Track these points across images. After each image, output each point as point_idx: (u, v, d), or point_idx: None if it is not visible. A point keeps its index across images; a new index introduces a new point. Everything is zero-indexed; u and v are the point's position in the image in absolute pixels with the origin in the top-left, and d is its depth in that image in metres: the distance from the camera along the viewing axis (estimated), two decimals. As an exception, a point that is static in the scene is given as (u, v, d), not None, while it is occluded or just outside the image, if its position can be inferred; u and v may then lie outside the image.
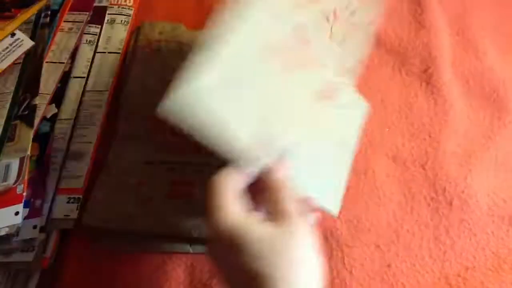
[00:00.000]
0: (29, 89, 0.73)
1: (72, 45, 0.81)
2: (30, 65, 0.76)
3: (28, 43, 0.77)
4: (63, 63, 0.79)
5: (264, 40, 0.53)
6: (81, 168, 0.72)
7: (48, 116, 0.74)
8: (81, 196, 0.69)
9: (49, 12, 0.83)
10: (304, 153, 0.56)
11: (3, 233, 0.62)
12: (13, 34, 0.77)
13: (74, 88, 0.78)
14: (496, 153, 0.74)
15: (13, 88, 0.73)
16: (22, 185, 0.65)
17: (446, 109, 0.77)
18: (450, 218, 0.69)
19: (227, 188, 0.48)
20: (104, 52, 0.83)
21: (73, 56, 0.80)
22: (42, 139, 0.71)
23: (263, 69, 0.52)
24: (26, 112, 0.71)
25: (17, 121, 0.70)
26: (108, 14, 0.88)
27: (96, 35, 0.85)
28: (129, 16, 0.88)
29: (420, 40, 0.84)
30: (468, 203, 0.69)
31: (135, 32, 0.87)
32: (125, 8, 0.89)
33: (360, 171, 0.73)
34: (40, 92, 0.74)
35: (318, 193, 0.57)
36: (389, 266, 0.66)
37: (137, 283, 0.66)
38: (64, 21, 0.85)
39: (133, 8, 0.89)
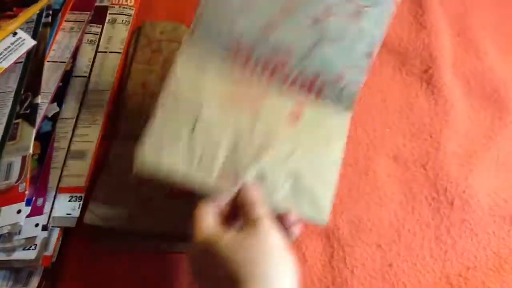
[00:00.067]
0: (30, 88, 0.73)
1: (73, 44, 0.81)
2: (32, 64, 0.76)
3: (30, 42, 0.76)
4: (65, 62, 0.79)
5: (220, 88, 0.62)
6: (82, 167, 0.72)
7: (50, 115, 0.74)
8: (82, 195, 0.69)
9: (50, 12, 0.82)
10: (284, 169, 0.59)
11: (5, 231, 0.61)
12: (14, 33, 0.77)
13: (75, 87, 0.78)
14: (497, 153, 0.74)
15: (15, 87, 0.73)
16: (24, 184, 0.64)
17: (447, 109, 0.77)
18: (451, 218, 0.69)
19: (203, 215, 0.53)
20: (105, 52, 0.83)
21: (74, 55, 0.80)
22: (44, 138, 0.71)
23: (223, 111, 0.60)
24: (28, 111, 0.71)
25: (19, 120, 0.70)
26: (109, 13, 0.88)
27: (97, 34, 0.85)
28: (130, 16, 0.88)
29: (421, 40, 0.84)
30: (469, 203, 0.70)
31: (136, 32, 0.87)
32: (126, 8, 0.89)
33: (361, 171, 0.73)
34: (41, 91, 0.74)
35: (304, 206, 0.58)
36: (390, 265, 0.66)
37: (137, 282, 0.66)
38: (66, 21, 0.85)
39: (134, 8, 0.89)
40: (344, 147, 0.63)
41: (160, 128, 0.58)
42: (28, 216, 0.64)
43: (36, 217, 0.65)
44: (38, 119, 0.71)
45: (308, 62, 0.63)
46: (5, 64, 0.73)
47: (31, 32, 0.79)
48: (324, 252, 0.67)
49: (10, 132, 0.69)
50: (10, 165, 0.66)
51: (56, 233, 0.67)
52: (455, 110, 0.78)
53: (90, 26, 0.85)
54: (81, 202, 0.68)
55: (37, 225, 0.64)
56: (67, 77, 0.78)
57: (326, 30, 0.62)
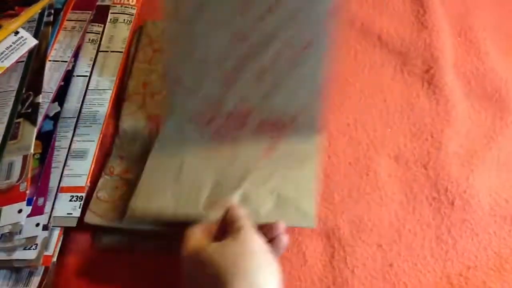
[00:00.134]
0: (32, 87, 0.73)
1: (75, 43, 0.81)
2: (33, 63, 0.76)
3: (32, 42, 0.77)
4: (66, 61, 0.79)
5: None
6: (83, 167, 0.72)
7: (51, 114, 0.74)
8: (83, 194, 0.69)
9: (52, 11, 0.83)
10: (266, 188, 0.65)
11: (6, 230, 0.62)
12: (16, 33, 0.77)
13: (77, 87, 0.78)
14: (498, 153, 0.74)
15: (16, 86, 0.73)
16: (25, 183, 0.65)
17: (448, 110, 0.77)
18: (452, 218, 0.69)
19: (194, 232, 0.58)
20: (107, 51, 0.84)
21: (76, 54, 0.81)
22: (45, 137, 0.71)
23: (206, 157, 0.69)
24: (29, 110, 0.71)
25: (20, 119, 0.70)
26: (111, 13, 0.88)
27: (99, 34, 0.85)
28: (132, 15, 0.88)
29: (422, 40, 0.84)
30: (470, 203, 0.70)
31: (138, 31, 0.87)
32: (128, 7, 0.89)
33: (362, 171, 0.73)
34: (43, 90, 0.74)
35: (290, 215, 0.63)
36: (391, 265, 0.66)
37: (138, 281, 0.66)
38: (67, 20, 0.85)
39: (136, 7, 0.90)
40: (318, 164, 0.69)
41: (149, 181, 0.66)
42: (29, 216, 0.64)
43: (36, 216, 0.65)
44: (40, 119, 0.71)
45: (267, 110, 0.71)
46: (7, 63, 0.74)
47: (33, 31, 0.79)
48: (324, 252, 0.67)
49: (12, 131, 0.69)
50: (11, 165, 0.67)
51: (56, 233, 0.67)
52: (456, 110, 0.77)
53: (92, 25, 0.86)
54: (82, 202, 0.68)
55: (37, 224, 0.64)
56: (68, 76, 0.78)
57: (273, 80, 0.69)
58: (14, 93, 0.72)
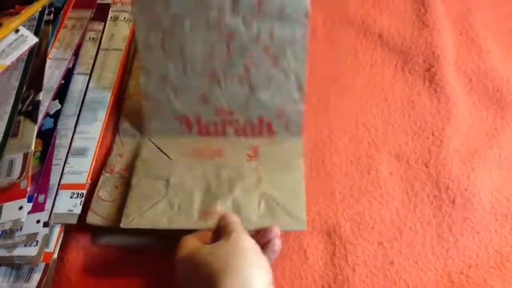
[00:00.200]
0: (32, 85, 0.73)
1: (75, 42, 0.81)
2: (34, 62, 0.76)
3: (32, 40, 0.77)
4: (67, 59, 0.79)
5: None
6: (84, 164, 0.72)
7: (52, 112, 0.74)
8: (84, 192, 0.69)
9: (52, 9, 0.83)
10: (256, 194, 0.67)
11: (6, 227, 0.62)
12: (17, 31, 0.77)
13: (77, 85, 0.78)
14: (499, 151, 0.74)
15: (17, 84, 0.73)
16: (26, 181, 0.65)
17: (449, 108, 0.77)
18: (453, 216, 0.69)
19: (188, 238, 0.59)
20: (107, 49, 0.84)
21: (76, 53, 0.81)
22: (46, 135, 0.71)
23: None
24: (30, 108, 0.71)
25: (21, 117, 0.70)
26: (111, 11, 0.88)
27: (99, 32, 0.85)
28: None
29: (423, 39, 0.85)
30: (471, 201, 0.69)
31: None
32: (128, 5, 0.89)
33: (363, 169, 0.73)
34: (43, 88, 0.74)
35: (281, 219, 0.65)
36: (392, 263, 0.66)
37: (139, 279, 0.66)
38: (68, 18, 0.85)
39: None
40: (303, 164, 0.71)
41: (138, 192, 0.67)
42: (29, 213, 0.64)
43: (37, 213, 0.65)
44: (40, 116, 0.71)
45: (249, 111, 0.73)
46: (7, 61, 0.74)
47: (33, 30, 0.79)
48: (325, 250, 0.67)
49: (12, 129, 0.69)
50: (12, 162, 0.67)
51: (57, 229, 0.67)
52: (457, 108, 0.77)
53: (92, 23, 0.86)
54: (83, 199, 0.68)
55: (38, 221, 0.64)
56: (69, 74, 0.78)
57: (254, 82, 0.72)
58: (14, 91, 0.72)
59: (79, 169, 0.71)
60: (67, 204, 0.68)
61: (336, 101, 0.80)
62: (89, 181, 0.70)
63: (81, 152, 0.73)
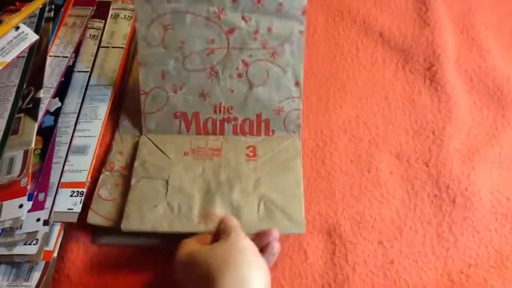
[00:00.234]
0: (33, 82, 0.73)
1: (75, 39, 0.81)
2: (34, 59, 0.76)
3: (33, 37, 0.77)
4: (67, 57, 0.79)
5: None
6: (84, 162, 0.72)
7: (52, 110, 0.74)
8: (84, 190, 0.69)
9: (53, 6, 0.83)
10: (255, 197, 0.67)
11: (6, 225, 0.61)
12: (17, 28, 0.77)
13: (77, 82, 0.78)
14: (500, 151, 0.74)
15: (17, 81, 0.73)
16: (26, 178, 0.65)
17: (449, 107, 0.77)
18: (453, 215, 0.69)
19: (188, 240, 0.60)
20: (108, 47, 0.84)
21: (76, 50, 0.80)
22: (46, 133, 0.71)
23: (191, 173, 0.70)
24: (30, 105, 0.71)
25: (21, 114, 0.70)
26: (112, 9, 0.88)
27: (100, 29, 0.85)
28: (133, 11, 0.88)
29: (424, 37, 0.84)
30: (471, 200, 0.69)
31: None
32: (129, 3, 0.89)
33: (364, 168, 0.73)
34: (43, 85, 0.74)
35: (280, 223, 0.65)
36: (392, 262, 0.66)
37: (139, 277, 0.66)
38: (68, 16, 0.85)
39: (137, 3, 0.89)
40: (301, 163, 0.71)
41: (138, 194, 0.67)
42: (29, 211, 0.64)
43: (37, 212, 0.65)
44: (40, 114, 0.71)
45: (248, 108, 0.74)
46: (8, 58, 0.73)
47: (34, 27, 0.79)
48: (325, 249, 0.67)
49: (12, 126, 0.69)
50: (12, 160, 0.66)
51: (57, 228, 0.67)
52: (458, 107, 0.77)
53: (93, 21, 0.86)
54: (83, 198, 0.68)
55: (38, 220, 0.64)
56: (69, 72, 0.78)
57: (252, 78, 0.73)
58: (15, 88, 0.72)
59: (79, 167, 0.71)
60: (67, 203, 0.68)
61: (337, 100, 0.80)
62: (89, 179, 0.70)
63: (81, 150, 0.73)
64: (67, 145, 0.72)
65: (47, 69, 0.76)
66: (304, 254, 0.67)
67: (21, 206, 0.63)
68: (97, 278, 0.66)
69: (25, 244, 0.63)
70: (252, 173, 0.69)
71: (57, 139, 0.72)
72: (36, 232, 0.63)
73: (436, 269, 0.65)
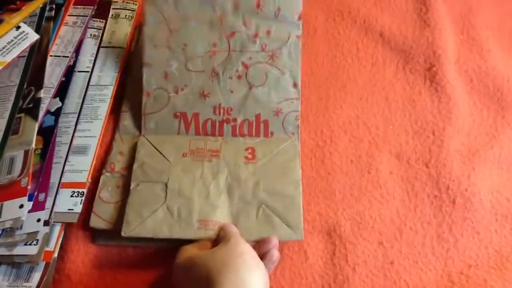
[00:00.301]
0: (33, 82, 0.73)
1: (76, 39, 0.81)
2: (35, 58, 0.75)
3: (33, 36, 0.76)
4: (67, 57, 0.79)
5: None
6: (84, 162, 0.72)
7: (52, 109, 0.73)
8: (84, 190, 0.69)
9: (54, 6, 0.82)
10: (254, 204, 0.67)
11: (7, 225, 0.61)
12: (18, 27, 0.76)
13: (78, 82, 0.78)
14: (500, 151, 0.74)
15: (17, 81, 0.73)
16: (26, 178, 0.64)
17: (450, 107, 0.77)
18: (453, 216, 0.69)
19: (187, 246, 0.62)
20: (109, 47, 0.83)
21: (77, 50, 0.80)
22: (46, 133, 0.71)
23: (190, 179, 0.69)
24: (31, 105, 0.71)
25: (22, 114, 0.70)
26: (113, 8, 0.88)
27: (101, 29, 0.85)
28: (134, 10, 0.88)
29: (424, 38, 0.84)
30: (471, 201, 0.70)
31: (138, 28, 0.87)
32: (129, 2, 0.89)
33: (364, 168, 0.73)
34: (44, 85, 0.74)
35: (279, 230, 0.65)
36: (392, 263, 0.66)
37: (139, 277, 0.66)
38: (69, 15, 0.85)
39: (137, 3, 0.90)
40: (300, 165, 0.71)
41: (138, 198, 0.67)
42: (30, 211, 0.64)
43: (37, 212, 0.65)
44: (41, 114, 0.71)
45: (247, 109, 0.74)
46: (8, 58, 0.73)
47: (34, 26, 0.79)
48: (325, 249, 0.67)
49: (13, 126, 0.69)
50: (12, 160, 0.66)
51: (57, 228, 0.67)
52: (458, 108, 0.78)
53: (93, 20, 0.85)
54: (83, 198, 0.68)
55: (38, 220, 0.64)
56: (69, 72, 0.78)
57: (251, 79, 0.74)
58: (15, 88, 0.72)
59: (80, 167, 0.71)
60: (68, 203, 0.68)
61: (337, 100, 0.80)
62: (89, 180, 0.70)
63: (82, 150, 0.73)
64: (68, 145, 0.72)
65: (48, 68, 0.76)
66: (304, 255, 0.67)
67: (21, 206, 0.62)
68: (97, 279, 0.66)
69: (25, 244, 0.63)
70: (251, 176, 0.69)
71: (57, 139, 0.72)
72: (36, 232, 0.63)
73: (436, 270, 0.65)
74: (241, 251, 0.56)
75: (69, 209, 0.67)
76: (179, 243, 0.63)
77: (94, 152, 0.73)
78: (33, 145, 0.67)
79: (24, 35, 0.76)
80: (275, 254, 0.61)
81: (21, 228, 0.63)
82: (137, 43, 0.85)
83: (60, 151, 0.71)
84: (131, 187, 0.68)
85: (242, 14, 0.74)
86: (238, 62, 0.74)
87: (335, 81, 0.81)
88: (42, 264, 0.64)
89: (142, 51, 0.74)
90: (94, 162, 0.72)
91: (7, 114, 0.70)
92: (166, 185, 0.68)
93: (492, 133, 0.76)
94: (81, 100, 0.76)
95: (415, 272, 0.65)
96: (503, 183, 0.72)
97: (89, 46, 0.83)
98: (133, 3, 0.89)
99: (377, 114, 0.78)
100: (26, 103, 0.71)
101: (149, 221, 0.65)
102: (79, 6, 0.86)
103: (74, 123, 0.74)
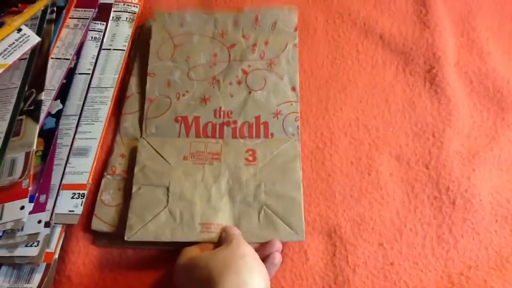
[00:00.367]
0: (34, 84, 0.73)
1: (77, 41, 0.81)
2: (36, 61, 0.76)
3: (34, 39, 0.77)
4: (69, 59, 0.79)
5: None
6: (85, 164, 0.72)
7: (53, 112, 0.74)
8: (85, 192, 0.69)
9: (55, 8, 0.82)
10: (255, 207, 0.68)
11: (8, 227, 0.62)
12: (19, 30, 0.77)
13: (79, 84, 0.78)
14: (500, 153, 0.74)
15: (19, 83, 0.73)
16: (27, 180, 0.65)
17: (449, 109, 0.77)
18: (453, 217, 0.69)
19: (189, 247, 0.63)
20: (109, 49, 0.84)
21: (78, 52, 0.80)
22: (47, 135, 0.71)
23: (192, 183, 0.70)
24: (32, 107, 0.71)
25: (23, 116, 0.70)
26: (114, 11, 0.88)
27: (101, 32, 0.85)
28: (135, 13, 0.88)
29: (424, 40, 0.84)
30: (471, 202, 0.70)
31: (139, 30, 0.87)
32: (130, 5, 0.89)
33: (364, 170, 0.73)
34: (45, 87, 0.74)
35: (280, 232, 0.66)
36: (392, 264, 0.66)
37: (140, 279, 0.66)
38: (70, 18, 0.85)
39: (138, 6, 0.90)
40: (301, 166, 0.71)
41: (140, 202, 0.68)
42: (30, 213, 0.64)
43: (38, 213, 0.65)
44: (42, 116, 0.71)
45: (246, 111, 0.76)
46: (9, 60, 0.73)
47: (36, 29, 0.79)
48: (326, 251, 0.67)
49: (14, 128, 0.69)
50: (13, 161, 0.67)
51: (58, 230, 0.67)
52: (458, 110, 0.78)
53: (94, 23, 0.85)
54: (84, 200, 0.68)
55: (39, 221, 0.64)
56: (70, 74, 0.78)
57: (251, 84, 0.78)
58: (16, 90, 0.72)
59: (81, 169, 0.72)
60: (68, 205, 0.68)
61: (337, 102, 0.80)
62: (90, 182, 0.70)
63: (83, 152, 0.73)
64: (68, 147, 0.72)
65: (49, 71, 0.76)
66: (304, 256, 0.67)
67: (22, 208, 0.63)
68: (98, 280, 0.66)
69: (26, 245, 0.64)
70: (252, 178, 0.70)
71: (58, 141, 0.72)
72: (37, 234, 0.64)
73: (436, 271, 0.66)
74: (242, 253, 0.56)
75: (69, 211, 0.68)
76: (180, 246, 0.63)
77: (95, 154, 0.73)
78: (34, 147, 0.67)
79: (26, 37, 0.76)
80: (277, 257, 0.62)
81: (22, 229, 0.63)
82: (138, 43, 0.85)
83: (61, 153, 0.72)
84: (133, 191, 0.68)
85: (242, 28, 0.82)
86: (238, 69, 0.79)
87: (335, 83, 0.82)
88: (43, 265, 0.65)
89: (148, 63, 0.79)
90: (95, 164, 0.72)
91: (8, 116, 0.70)
92: (167, 188, 0.68)
93: (492, 135, 0.76)
94: (82, 102, 0.77)
95: (415, 273, 0.65)
96: (503, 184, 0.72)
97: (90, 49, 0.83)
98: (134, 6, 0.89)
99: (377, 116, 0.78)
100: (27, 105, 0.71)
101: (151, 225, 0.65)
102: (80, 9, 0.86)
103: (75, 125, 0.74)
